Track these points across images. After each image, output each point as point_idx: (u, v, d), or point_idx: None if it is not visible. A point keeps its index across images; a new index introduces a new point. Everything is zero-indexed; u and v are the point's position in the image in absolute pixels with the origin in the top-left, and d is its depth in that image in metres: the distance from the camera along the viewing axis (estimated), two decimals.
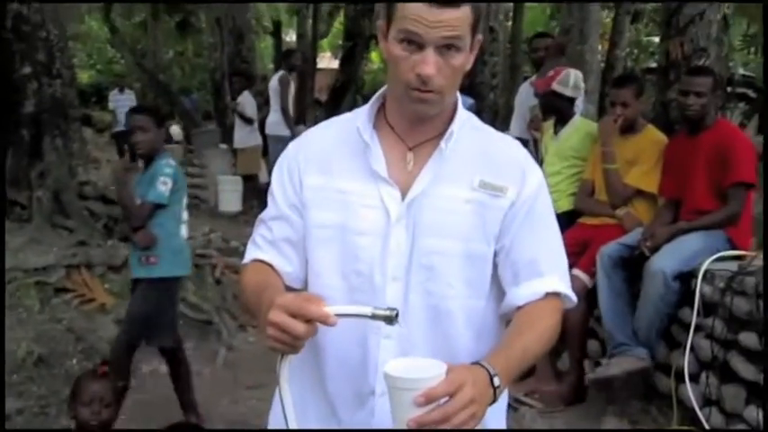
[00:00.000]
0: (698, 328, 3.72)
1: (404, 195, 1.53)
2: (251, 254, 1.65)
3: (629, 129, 4.39)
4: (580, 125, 4.80)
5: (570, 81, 4.73)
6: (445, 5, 1.41)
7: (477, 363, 1.37)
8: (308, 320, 1.32)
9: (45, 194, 6.63)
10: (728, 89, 9.14)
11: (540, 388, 4.33)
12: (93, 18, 21.53)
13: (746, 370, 3.47)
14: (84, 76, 22.40)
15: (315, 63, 16.79)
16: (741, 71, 10.60)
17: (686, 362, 3.70)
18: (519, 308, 1.55)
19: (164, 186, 3.83)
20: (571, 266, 3.78)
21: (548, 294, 1.55)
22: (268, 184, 1.70)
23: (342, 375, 1.56)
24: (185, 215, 4.04)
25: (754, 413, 3.40)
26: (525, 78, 8.33)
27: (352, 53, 14.66)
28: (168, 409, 4.00)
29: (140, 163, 4.08)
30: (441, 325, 1.54)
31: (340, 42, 18.38)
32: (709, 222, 3.96)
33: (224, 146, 11.04)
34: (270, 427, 1.69)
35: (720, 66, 5.59)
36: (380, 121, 1.61)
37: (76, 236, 6.27)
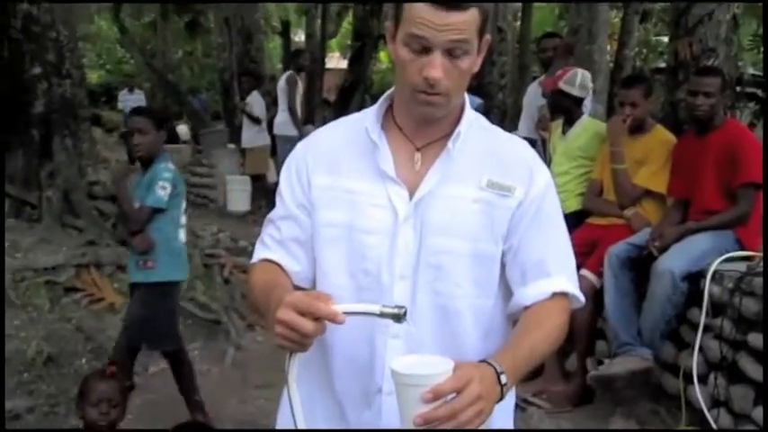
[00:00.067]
0: (706, 329, 3.71)
1: (411, 195, 1.54)
2: (259, 253, 1.66)
3: (637, 129, 4.39)
4: (588, 125, 4.80)
5: (577, 80, 4.73)
6: (452, 8, 1.41)
7: (484, 360, 1.37)
8: (317, 318, 1.32)
9: (55, 194, 6.66)
10: (738, 89, 9.11)
11: (547, 388, 4.33)
12: (103, 18, 21.62)
13: (755, 371, 3.46)
14: (94, 77, 22.49)
15: (323, 63, 16.80)
16: (751, 71, 10.54)
17: (695, 362, 3.70)
18: (526, 308, 1.55)
19: (162, 191, 3.81)
20: (579, 267, 3.78)
21: (555, 294, 1.56)
22: (276, 183, 1.70)
23: (349, 374, 1.57)
24: (184, 219, 4.01)
25: (762, 414, 3.39)
26: (534, 78, 8.32)
27: (361, 53, 14.67)
28: (175, 408, 4.01)
29: (137, 164, 4.06)
30: (448, 324, 1.55)
31: (349, 42, 18.39)
32: (717, 222, 3.96)
33: (232, 146, 11.06)
34: (278, 426, 1.70)
35: (729, 66, 5.57)
36: (388, 122, 1.61)
37: (86, 235, 6.30)
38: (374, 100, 1.72)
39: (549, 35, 6.87)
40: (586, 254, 4.17)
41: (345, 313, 1.34)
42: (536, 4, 16.09)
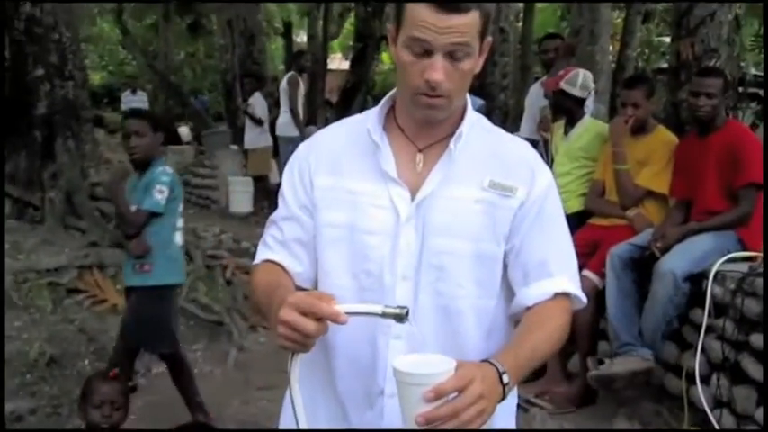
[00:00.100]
0: (709, 330, 3.71)
1: (413, 196, 1.54)
2: (262, 254, 1.66)
3: (639, 129, 4.39)
4: (590, 126, 4.80)
5: (578, 81, 4.73)
6: (453, 11, 1.41)
7: (486, 360, 1.38)
8: (319, 319, 1.32)
9: (57, 196, 6.68)
10: (740, 89, 9.11)
11: (550, 389, 4.33)
12: (105, 20, 21.66)
13: (757, 371, 3.46)
14: (96, 78, 22.52)
15: (325, 64, 16.80)
16: (753, 71, 10.55)
17: (697, 363, 3.69)
18: (528, 308, 1.56)
19: (160, 195, 3.76)
20: (581, 267, 3.79)
21: (557, 295, 1.56)
22: (279, 184, 1.71)
23: (352, 374, 1.57)
24: (180, 222, 3.97)
25: (763, 414, 3.39)
26: (536, 79, 8.32)
27: (363, 54, 14.68)
28: (177, 410, 4.01)
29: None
30: (450, 325, 1.55)
31: (350, 43, 18.40)
32: (719, 223, 3.95)
33: (235, 147, 11.07)
34: (281, 427, 1.70)
35: (731, 66, 5.57)
36: (390, 123, 1.62)
37: (88, 237, 6.32)
38: (376, 101, 1.72)
39: (550, 36, 6.87)
40: (588, 254, 4.17)
41: (348, 313, 1.34)
42: (538, 6, 16.10)
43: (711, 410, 3.63)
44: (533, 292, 1.55)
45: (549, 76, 5.77)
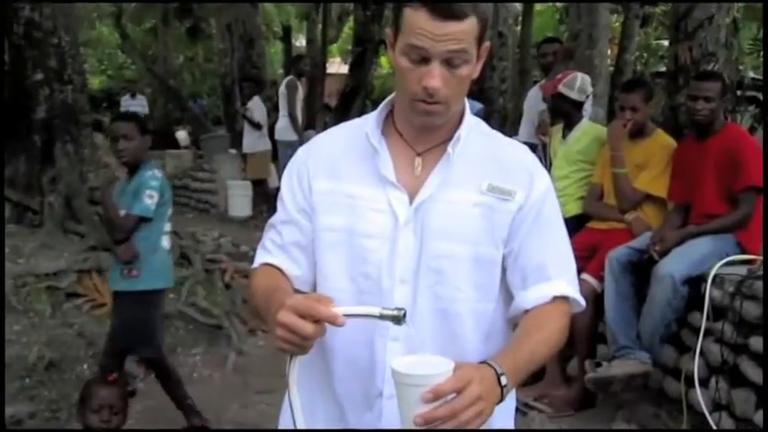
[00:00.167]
0: (707, 333, 3.71)
1: (412, 200, 1.55)
2: (260, 258, 1.67)
3: (638, 133, 4.40)
4: (588, 129, 4.80)
5: (576, 84, 4.74)
6: (450, 18, 1.41)
7: (484, 362, 1.38)
8: (317, 321, 1.33)
9: (56, 200, 6.68)
10: (738, 92, 9.12)
11: (549, 393, 4.33)
12: (104, 24, 21.65)
13: (756, 374, 3.46)
14: (95, 82, 22.53)
15: (324, 68, 16.81)
16: (751, 74, 10.56)
17: (696, 366, 3.69)
18: (527, 311, 1.56)
19: (150, 200, 3.73)
20: (580, 271, 3.80)
21: (556, 298, 1.56)
22: (277, 188, 1.71)
23: (350, 376, 1.58)
24: (168, 226, 3.94)
25: (763, 418, 3.39)
26: (534, 83, 8.34)
27: (362, 58, 14.70)
28: (176, 414, 4.01)
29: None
30: (449, 328, 1.55)
31: (349, 47, 18.41)
32: (718, 226, 3.96)
33: (234, 151, 11.08)
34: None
35: (730, 70, 5.60)
36: (389, 127, 1.62)
37: (87, 241, 6.31)
38: (375, 105, 1.73)
39: (549, 40, 6.89)
40: (587, 258, 4.17)
41: (345, 315, 1.35)
42: (536, 9, 16.11)
43: (710, 413, 3.63)
44: (532, 296, 1.56)
45: (547, 79, 5.78)
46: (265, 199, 9.45)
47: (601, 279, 4.12)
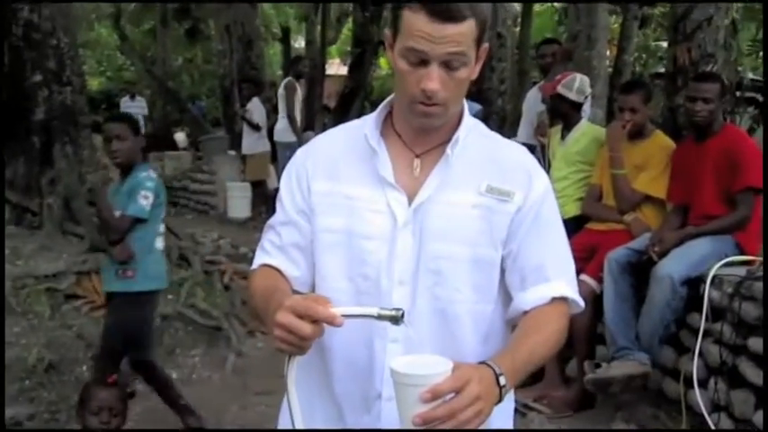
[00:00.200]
0: (706, 334, 3.71)
1: (411, 201, 1.55)
2: (259, 259, 1.67)
3: (637, 134, 4.40)
4: (587, 130, 4.81)
5: (575, 85, 4.74)
6: (448, 20, 1.42)
7: (483, 362, 1.38)
8: (315, 321, 1.33)
9: (55, 201, 6.67)
10: (737, 94, 9.12)
11: (548, 394, 4.33)
12: (103, 25, 21.65)
13: (755, 375, 3.46)
14: (94, 83, 22.52)
15: (323, 69, 16.81)
16: (750, 75, 10.56)
17: (695, 367, 3.69)
18: (526, 312, 1.56)
19: (145, 201, 3.71)
20: (579, 272, 3.80)
21: (554, 299, 1.56)
22: (277, 190, 1.72)
23: (349, 377, 1.58)
24: (162, 227, 3.93)
25: (762, 419, 3.39)
26: (533, 84, 8.35)
27: (361, 59, 14.70)
28: (175, 416, 4.01)
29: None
30: (448, 329, 1.56)
31: (348, 49, 18.41)
32: (717, 227, 3.96)
33: (233, 152, 11.09)
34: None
35: (729, 71, 5.61)
36: (388, 129, 1.63)
37: (86, 242, 6.31)
38: (374, 106, 1.73)
39: (548, 41, 6.90)
40: (586, 259, 4.17)
41: (344, 316, 1.35)
42: (535, 10, 16.12)
43: (709, 414, 3.63)
44: (531, 297, 1.56)
45: (546, 80, 5.79)
46: (264, 200, 9.45)
47: (600, 280, 4.12)
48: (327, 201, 1.60)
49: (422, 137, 1.58)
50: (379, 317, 1.38)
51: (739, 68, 9.77)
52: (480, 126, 1.66)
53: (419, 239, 1.54)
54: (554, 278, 1.58)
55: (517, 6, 15.18)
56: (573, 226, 4.31)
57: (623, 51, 12.33)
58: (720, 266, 3.76)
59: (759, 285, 3.50)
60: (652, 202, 4.36)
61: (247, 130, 9.79)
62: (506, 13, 11.55)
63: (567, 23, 9.93)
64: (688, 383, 3.75)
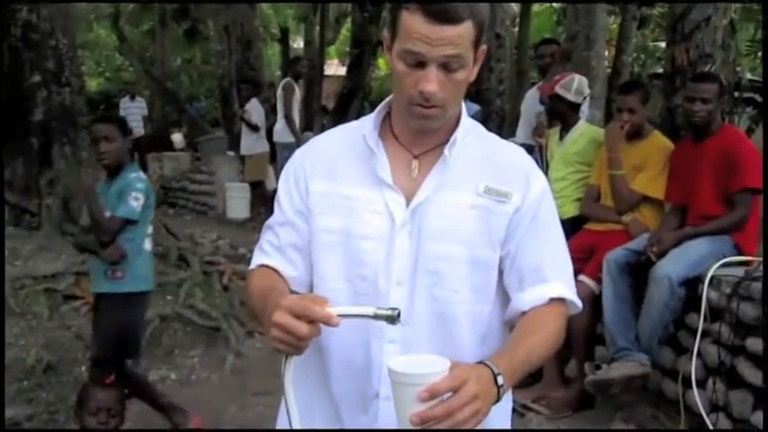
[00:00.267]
0: (705, 334, 3.72)
1: (408, 202, 1.55)
2: (257, 259, 1.67)
3: (635, 135, 4.40)
4: (585, 131, 4.81)
5: (573, 86, 4.75)
6: (446, 22, 1.42)
7: (480, 362, 1.38)
8: (312, 321, 1.33)
9: (54, 202, 6.67)
10: (736, 94, 9.12)
11: (547, 394, 4.33)
12: (102, 26, 21.66)
13: (754, 376, 3.47)
14: (93, 84, 22.51)
15: (322, 70, 16.82)
16: (749, 76, 10.57)
17: (693, 368, 3.70)
18: (524, 313, 1.56)
19: (135, 202, 3.70)
20: (577, 272, 3.80)
21: (552, 300, 1.56)
22: (275, 190, 1.72)
23: (346, 376, 1.58)
24: (151, 228, 3.91)
25: (761, 419, 3.39)
26: (532, 84, 8.36)
27: (360, 60, 14.70)
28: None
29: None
30: (445, 330, 1.56)
31: (347, 49, 18.42)
32: (715, 228, 3.97)
33: (231, 153, 11.09)
34: None
35: (727, 71, 5.61)
36: (386, 130, 1.63)
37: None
38: (373, 107, 1.73)
39: (546, 41, 6.90)
40: (584, 260, 4.18)
41: (340, 316, 1.35)
42: (534, 11, 16.13)
43: (708, 414, 3.63)
44: (528, 298, 1.56)
45: (545, 81, 5.79)
46: (263, 201, 9.45)
47: (598, 280, 4.13)
48: (325, 201, 1.60)
49: (420, 138, 1.58)
50: (375, 316, 1.38)
51: (737, 69, 9.76)
52: (478, 127, 1.67)
53: (417, 240, 1.54)
54: (552, 279, 1.58)
55: (516, 7, 15.20)
56: (571, 226, 4.31)
57: (622, 52, 12.34)
58: (718, 267, 3.77)
59: (757, 286, 3.51)
60: (650, 203, 4.37)
61: (246, 131, 9.79)
62: (505, 14, 11.56)
63: (566, 24, 9.94)
64: (686, 384, 3.75)
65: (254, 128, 9.67)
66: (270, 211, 1.71)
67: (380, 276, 1.54)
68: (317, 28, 17.33)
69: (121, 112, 13.88)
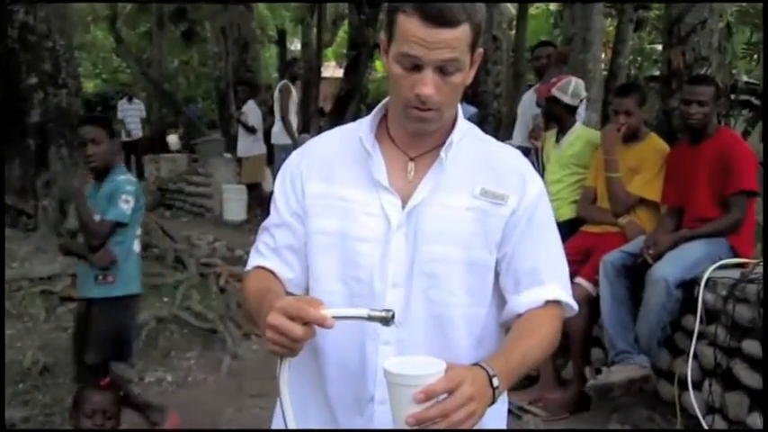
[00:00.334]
0: (700, 336, 3.72)
1: (404, 204, 1.55)
2: (254, 261, 1.67)
3: (631, 137, 4.41)
4: (581, 133, 4.82)
5: (570, 88, 4.75)
6: (443, 25, 1.42)
7: (476, 364, 1.39)
8: (306, 323, 1.34)
9: (51, 204, 6.67)
10: (732, 96, 9.15)
11: (544, 396, 4.33)
12: (99, 28, 21.65)
13: (749, 377, 3.48)
14: (90, 86, 22.49)
15: (319, 72, 16.83)
16: (744, 78, 10.61)
17: (689, 369, 3.71)
18: (519, 315, 1.56)
19: (126, 205, 3.66)
20: (574, 275, 3.81)
21: (548, 302, 1.57)
22: (272, 192, 1.72)
23: (342, 379, 1.58)
24: (139, 230, 3.88)
25: (757, 420, 3.40)
26: (528, 87, 8.35)
27: (357, 62, 14.69)
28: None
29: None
30: (441, 332, 1.56)
31: (344, 51, 18.43)
32: (711, 230, 3.98)
33: (228, 155, 11.09)
34: None
35: (723, 74, 5.63)
36: (382, 132, 1.63)
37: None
38: (370, 109, 1.73)
39: (543, 43, 6.90)
40: (581, 262, 4.18)
41: (334, 317, 1.35)
42: (531, 13, 16.17)
43: (704, 416, 3.64)
44: (524, 300, 1.56)
45: (541, 83, 5.79)
46: (260, 203, 9.45)
47: (595, 283, 4.13)
48: (322, 203, 1.60)
49: (416, 140, 1.59)
50: (370, 318, 1.38)
51: (734, 71, 9.80)
52: (474, 129, 1.67)
53: (413, 242, 1.54)
54: (548, 281, 1.58)
55: (512, 9, 15.23)
56: (567, 229, 4.32)
57: (618, 54, 12.38)
58: (714, 269, 3.78)
59: (753, 288, 3.51)
60: (646, 205, 4.37)
61: (242, 133, 9.79)
62: (502, 17, 11.59)
63: (563, 26, 9.96)
64: (683, 386, 3.76)
65: (251, 130, 9.66)
66: (266, 213, 1.71)
67: (376, 278, 1.54)
68: (314, 30, 17.35)
69: (119, 114, 13.88)
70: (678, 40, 5.40)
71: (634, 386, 3.89)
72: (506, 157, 1.64)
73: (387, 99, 1.63)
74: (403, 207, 1.55)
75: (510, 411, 1.75)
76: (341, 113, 13.71)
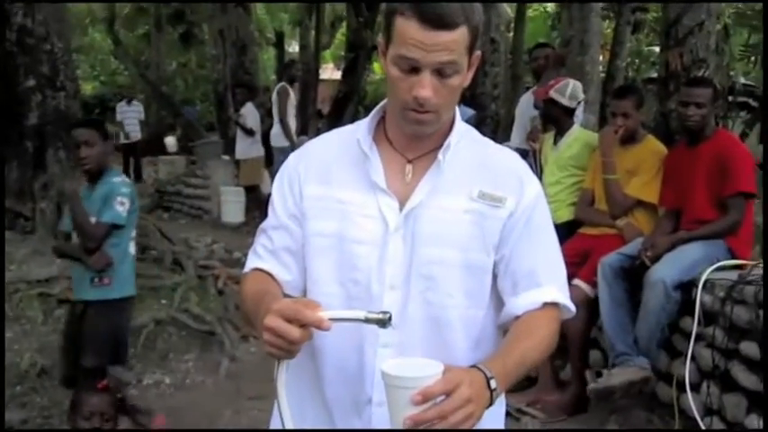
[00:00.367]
0: (699, 338, 3.73)
1: (402, 206, 1.55)
2: (251, 263, 1.67)
3: (629, 139, 4.41)
4: (579, 135, 4.82)
5: (568, 90, 4.76)
6: (441, 28, 1.42)
7: (474, 366, 1.39)
8: (303, 325, 1.34)
9: (48, 206, 6.67)
10: (730, 98, 9.16)
11: (542, 398, 4.33)
12: (97, 30, 21.66)
13: (747, 379, 3.48)
14: (88, 88, 22.51)
15: (317, 74, 16.83)
16: (742, 80, 10.62)
17: (687, 371, 3.71)
18: (517, 317, 1.57)
19: (121, 207, 3.65)
20: (572, 277, 3.81)
21: (546, 304, 1.57)
22: (270, 194, 1.72)
23: (340, 381, 1.58)
24: (134, 232, 3.88)
25: (755, 422, 3.40)
26: (526, 89, 8.36)
27: (355, 64, 14.71)
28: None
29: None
30: (439, 334, 1.56)
31: (342, 53, 18.44)
32: (709, 232, 3.98)
33: (226, 157, 11.08)
34: None
35: (721, 75, 5.64)
36: (380, 134, 1.63)
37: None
38: (368, 111, 1.73)
39: (540, 45, 6.91)
40: (578, 264, 4.18)
41: (331, 319, 1.35)
42: (529, 15, 16.17)
43: (702, 418, 3.64)
44: (522, 302, 1.56)
45: (539, 85, 5.80)
46: (258, 205, 9.44)
47: (593, 285, 4.13)
48: (319, 205, 1.60)
49: (414, 142, 1.59)
50: (367, 320, 1.39)
51: (731, 73, 9.82)
52: (472, 132, 1.67)
53: (411, 244, 1.54)
54: (546, 283, 1.58)
55: (510, 11, 15.23)
56: (565, 231, 4.32)
57: (616, 56, 12.38)
58: (712, 271, 3.78)
59: (751, 289, 3.52)
60: (644, 207, 4.38)
61: (241, 135, 9.79)
62: (499, 19, 11.58)
63: (561, 29, 9.96)
64: (681, 387, 3.76)
65: (249, 132, 9.66)
66: (264, 215, 1.71)
67: (373, 281, 1.54)
68: (313, 32, 17.35)
69: (118, 117, 13.88)
70: (676, 42, 5.41)
71: (634, 388, 3.89)
72: (504, 160, 1.64)
73: (384, 101, 1.63)
74: (401, 209, 1.55)
75: (508, 413, 1.75)
76: (339, 115, 13.72)
